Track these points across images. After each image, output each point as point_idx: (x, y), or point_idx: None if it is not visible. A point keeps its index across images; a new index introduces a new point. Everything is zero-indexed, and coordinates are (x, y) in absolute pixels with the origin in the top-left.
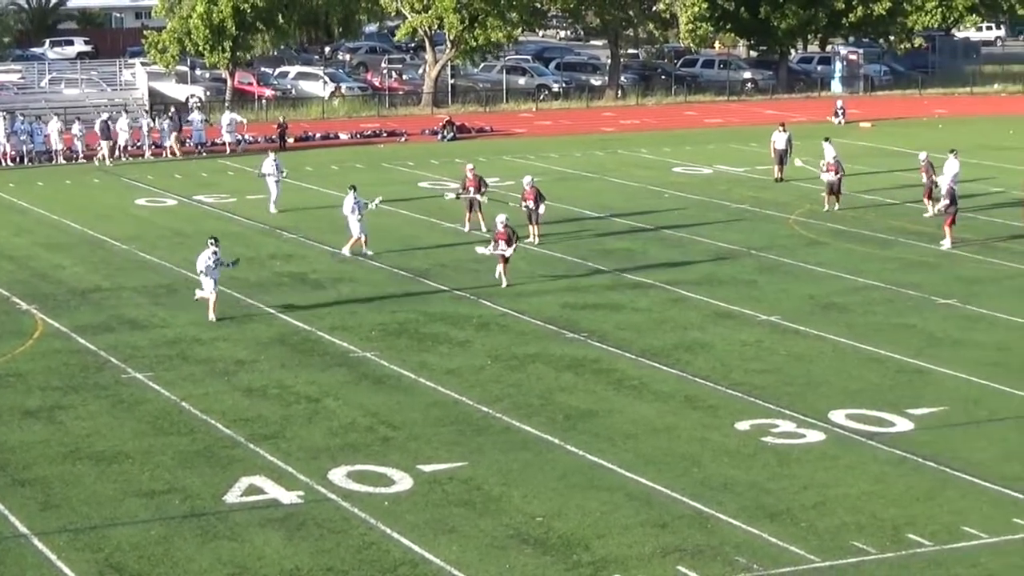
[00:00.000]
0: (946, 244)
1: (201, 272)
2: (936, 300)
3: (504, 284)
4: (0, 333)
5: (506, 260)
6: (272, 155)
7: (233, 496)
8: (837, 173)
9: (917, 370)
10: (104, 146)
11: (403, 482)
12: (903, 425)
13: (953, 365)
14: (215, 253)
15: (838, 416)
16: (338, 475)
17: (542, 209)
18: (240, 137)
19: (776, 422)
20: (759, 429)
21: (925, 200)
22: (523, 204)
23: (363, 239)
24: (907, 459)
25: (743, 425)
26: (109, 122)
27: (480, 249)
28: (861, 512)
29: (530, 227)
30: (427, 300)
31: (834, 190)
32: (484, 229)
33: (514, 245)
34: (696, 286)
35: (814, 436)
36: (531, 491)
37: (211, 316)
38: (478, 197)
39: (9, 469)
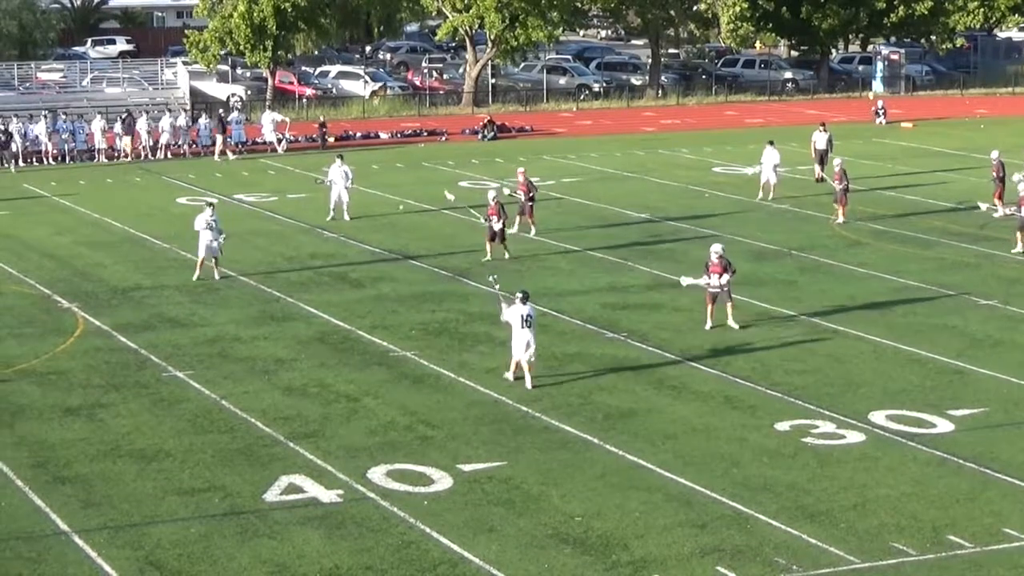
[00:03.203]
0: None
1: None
2: (977, 301)
3: (507, 256)
4: (42, 331)
5: (500, 235)
6: (339, 160)
7: (273, 494)
8: (842, 182)
9: (958, 371)
10: (127, 142)
11: (442, 481)
12: (943, 426)
13: (994, 366)
14: (211, 216)
15: (878, 417)
16: (377, 474)
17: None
18: (281, 136)
19: (816, 423)
20: (799, 430)
21: (995, 200)
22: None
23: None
24: (947, 460)
25: (783, 426)
26: (132, 120)
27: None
28: (901, 513)
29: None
30: (467, 299)
31: (837, 199)
32: (533, 233)
33: (504, 219)
34: (736, 286)
35: (854, 437)
36: (570, 491)
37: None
38: (524, 200)
39: (50, 467)
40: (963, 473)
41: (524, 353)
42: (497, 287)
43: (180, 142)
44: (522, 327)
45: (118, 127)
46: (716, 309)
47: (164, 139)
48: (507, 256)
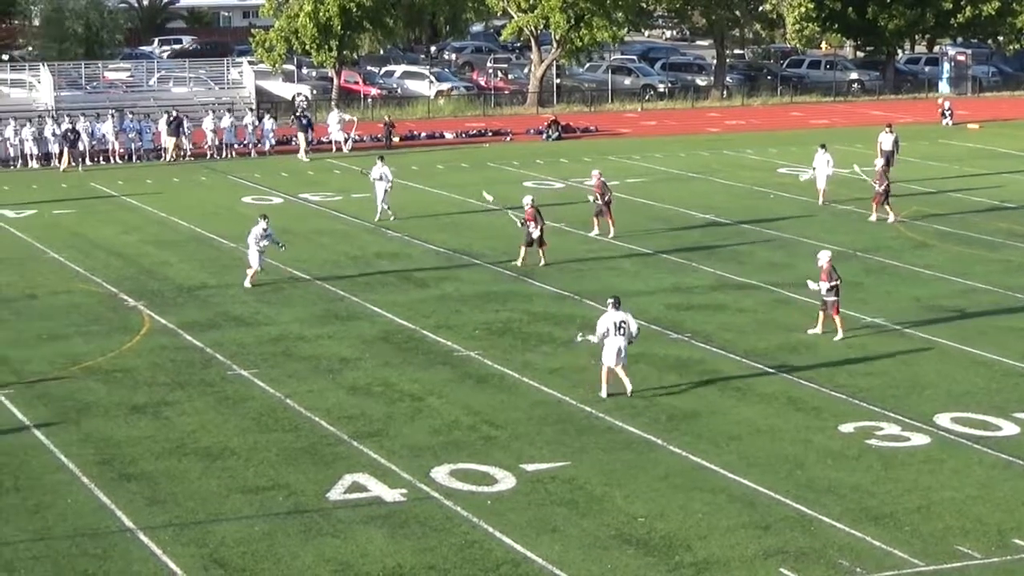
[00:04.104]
0: None
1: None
2: None
3: (542, 263)
4: (108, 329)
5: (538, 242)
6: (380, 161)
7: (336, 493)
8: (881, 183)
9: (1023, 373)
10: (171, 143)
11: (506, 481)
12: (1009, 429)
13: None
14: (265, 229)
15: (943, 419)
16: (441, 473)
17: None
18: (347, 135)
19: (881, 425)
20: (863, 431)
21: None
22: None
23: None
24: (1013, 463)
25: (847, 427)
26: (182, 119)
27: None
28: (966, 516)
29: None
30: (531, 300)
31: (882, 198)
32: (612, 235)
33: (541, 225)
34: (801, 288)
35: (919, 439)
36: (633, 491)
37: (247, 283)
38: (600, 203)
39: (116, 464)
40: None
41: (615, 359)
42: (580, 338)
43: (246, 142)
44: (615, 334)
45: (163, 125)
46: (827, 316)
47: (226, 138)
48: (542, 263)
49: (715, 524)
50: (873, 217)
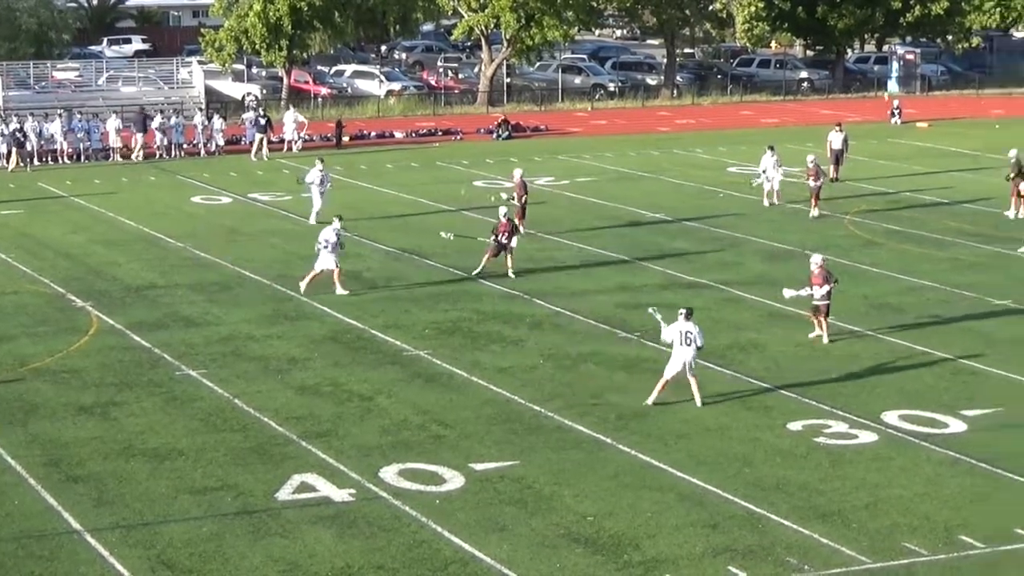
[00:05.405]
0: None
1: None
2: (992, 301)
3: (511, 274)
4: (56, 330)
5: (507, 250)
6: (319, 163)
7: (285, 493)
8: (818, 179)
9: (971, 371)
10: (138, 140)
11: (454, 480)
12: (956, 426)
13: (1008, 366)
14: (335, 230)
15: (891, 417)
16: (390, 473)
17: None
18: (299, 136)
19: (829, 423)
20: (812, 430)
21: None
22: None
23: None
24: (960, 460)
25: (796, 425)
26: (146, 118)
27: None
28: (913, 513)
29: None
30: (480, 299)
31: (817, 195)
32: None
33: (515, 237)
34: (750, 286)
35: (867, 437)
36: (582, 490)
37: (339, 290)
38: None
39: (63, 465)
40: (976, 473)
41: (681, 371)
42: (658, 316)
43: (195, 141)
44: (681, 344)
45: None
46: (821, 323)
47: (175, 138)
48: (511, 275)
49: (664, 522)
50: (814, 213)
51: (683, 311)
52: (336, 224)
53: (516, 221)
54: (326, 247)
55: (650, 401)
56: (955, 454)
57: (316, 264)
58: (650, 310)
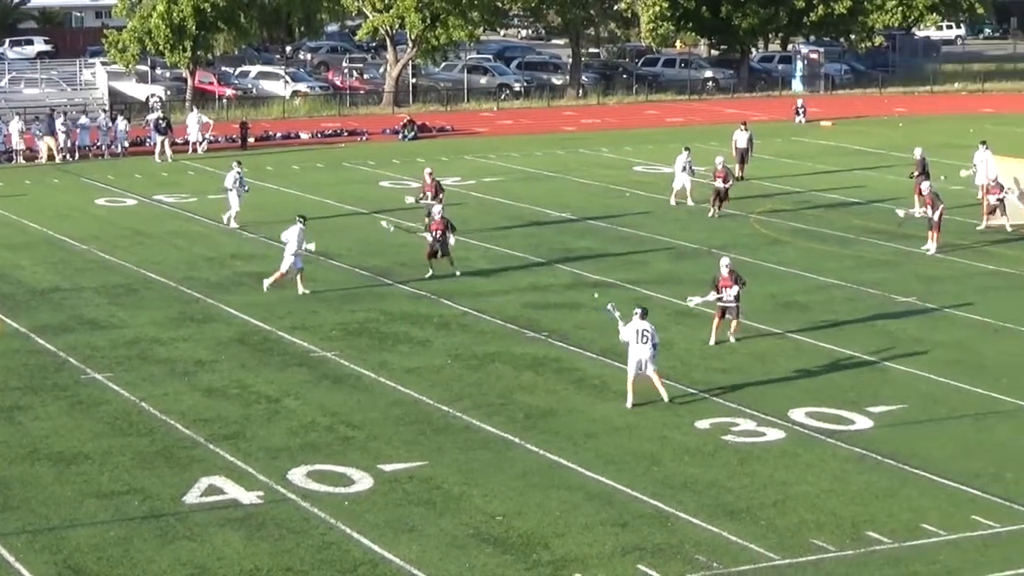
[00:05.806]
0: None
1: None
2: (896, 298)
3: (458, 273)
4: None
5: (442, 250)
6: (236, 166)
7: (192, 496)
8: (727, 181)
9: (877, 368)
10: (49, 142)
11: (363, 482)
12: (863, 423)
13: (912, 363)
14: (301, 230)
15: (798, 414)
16: (298, 475)
17: (452, 240)
18: (203, 136)
19: (736, 420)
20: (719, 428)
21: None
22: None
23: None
24: (866, 457)
25: (703, 424)
26: (53, 119)
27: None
28: (821, 510)
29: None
30: (387, 300)
31: (721, 196)
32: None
33: (451, 235)
34: (657, 285)
35: (774, 434)
36: (491, 490)
37: (301, 289)
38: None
39: None
40: (882, 470)
41: (637, 369)
42: (616, 313)
43: (99, 143)
44: (638, 342)
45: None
46: (723, 324)
47: (80, 140)
48: (457, 273)
49: (573, 522)
50: (713, 212)
51: (639, 310)
52: (299, 225)
53: (449, 220)
54: (292, 248)
55: (628, 404)
56: (861, 451)
57: (283, 264)
58: (608, 306)
